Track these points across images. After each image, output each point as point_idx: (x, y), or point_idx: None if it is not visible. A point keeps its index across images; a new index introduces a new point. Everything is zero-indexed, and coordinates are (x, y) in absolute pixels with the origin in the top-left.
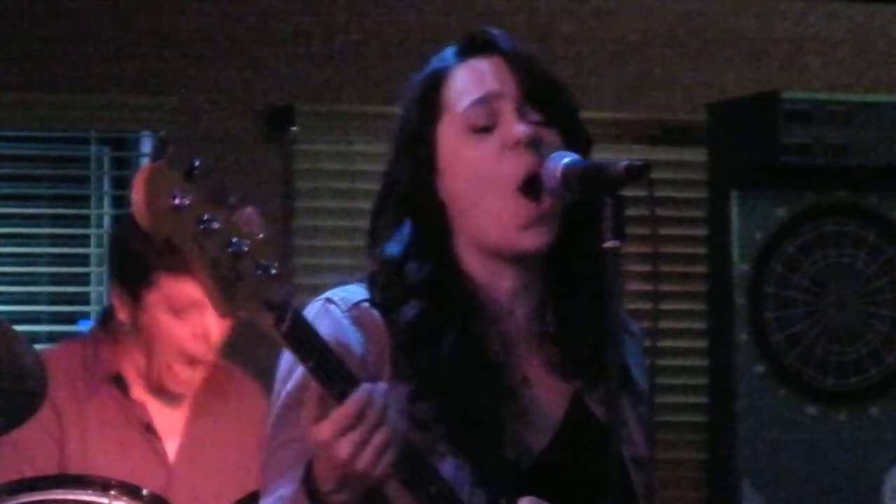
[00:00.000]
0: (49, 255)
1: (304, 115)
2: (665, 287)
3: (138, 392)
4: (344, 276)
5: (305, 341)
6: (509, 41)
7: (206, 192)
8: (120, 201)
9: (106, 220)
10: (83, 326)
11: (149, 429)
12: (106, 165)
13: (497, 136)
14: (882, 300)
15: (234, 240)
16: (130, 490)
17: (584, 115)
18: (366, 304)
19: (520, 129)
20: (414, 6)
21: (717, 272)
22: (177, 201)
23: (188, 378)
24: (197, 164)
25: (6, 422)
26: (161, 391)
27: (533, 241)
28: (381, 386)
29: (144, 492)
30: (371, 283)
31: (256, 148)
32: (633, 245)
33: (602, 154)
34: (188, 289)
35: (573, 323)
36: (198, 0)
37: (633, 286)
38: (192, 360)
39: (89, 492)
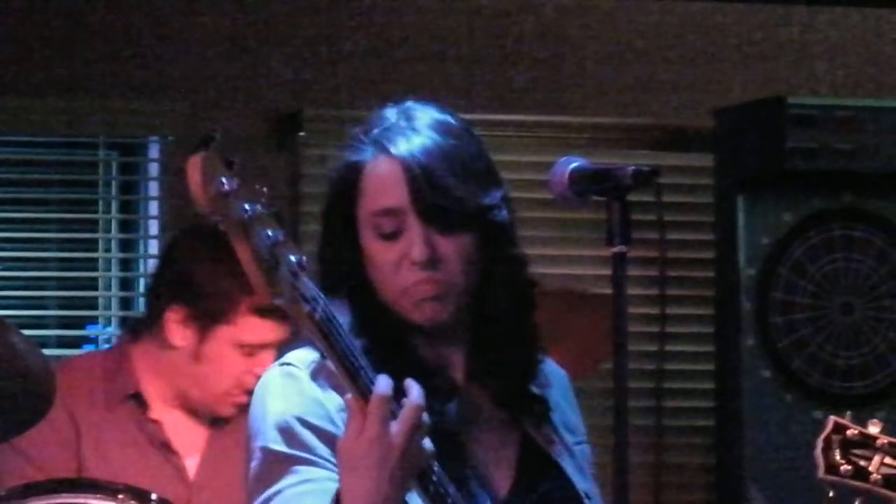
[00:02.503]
0: (57, 259)
1: (312, 120)
2: (672, 291)
3: (156, 411)
4: None
5: (333, 333)
6: (422, 136)
7: (245, 182)
8: (128, 206)
9: (114, 225)
10: (91, 331)
11: (166, 447)
12: (114, 170)
13: (399, 247)
14: (889, 305)
15: (271, 230)
16: (139, 494)
17: (591, 119)
18: (320, 361)
19: (416, 254)
20: (422, 11)
21: (723, 277)
22: (225, 187)
23: (242, 403)
24: (234, 158)
25: (14, 426)
26: (205, 415)
27: (430, 311)
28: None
29: (153, 496)
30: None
31: (264, 153)
32: (641, 250)
33: (609, 159)
34: (267, 331)
35: (502, 361)
36: (206, 5)
37: (641, 290)
38: (247, 391)
39: (98, 496)
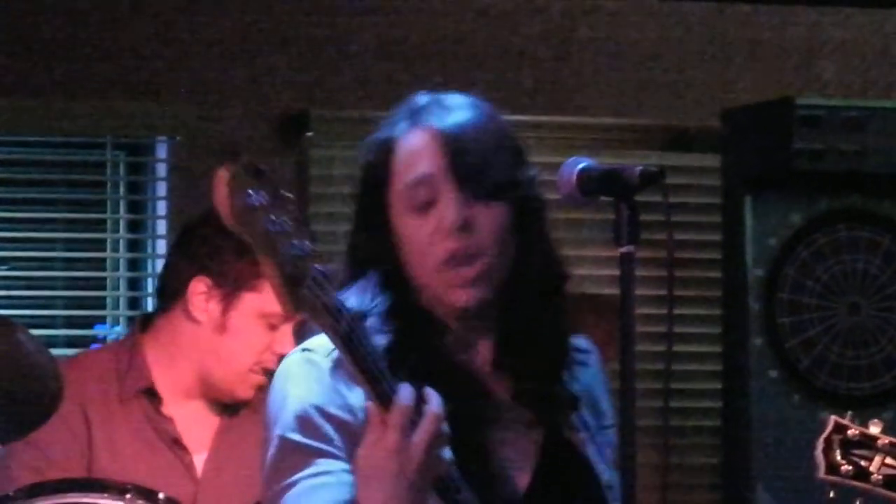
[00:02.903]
0: (65, 259)
1: (319, 120)
2: (679, 292)
3: (169, 406)
4: None
5: (357, 344)
6: (455, 110)
7: (274, 195)
8: (135, 206)
9: (122, 225)
10: (99, 331)
11: (176, 443)
12: (122, 171)
13: (433, 217)
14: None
15: (297, 242)
16: (147, 494)
17: (598, 120)
18: None
19: (449, 218)
20: (428, 12)
21: (731, 277)
22: (252, 200)
23: (261, 384)
24: (264, 167)
25: (22, 425)
26: (223, 398)
27: (466, 296)
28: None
29: (161, 496)
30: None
31: (271, 154)
32: (648, 250)
33: (616, 160)
34: None
35: (530, 354)
36: (213, 6)
37: (648, 291)
38: (266, 371)
39: (106, 495)
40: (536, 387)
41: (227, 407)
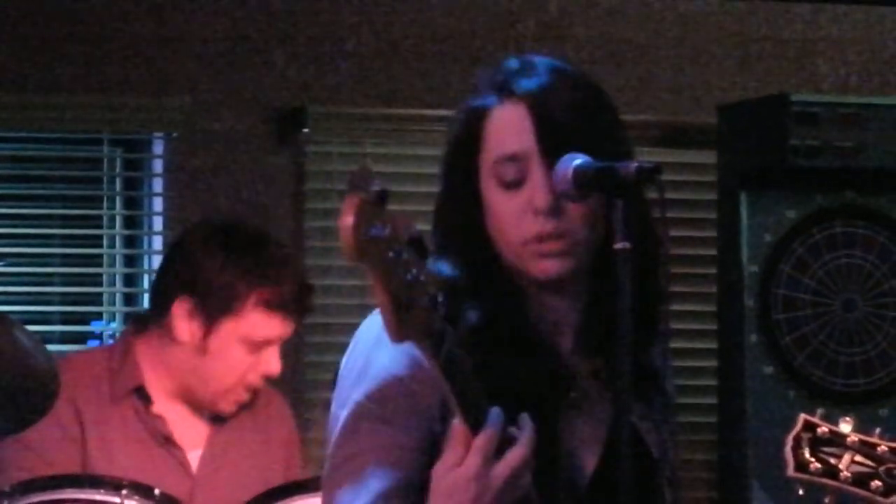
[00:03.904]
0: (61, 255)
1: (316, 116)
2: (675, 288)
3: (159, 405)
4: (355, 278)
5: (456, 370)
6: (547, 78)
7: (397, 223)
8: (132, 202)
9: (118, 221)
10: (95, 327)
11: (169, 440)
12: (118, 167)
13: (522, 196)
14: (891, 302)
15: (412, 270)
16: (142, 489)
17: None
18: None
19: (540, 200)
20: (426, 8)
21: (726, 274)
22: (376, 232)
23: (243, 401)
24: (385, 191)
25: (18, 421)
26: (205, 410)
27: (551, 266)
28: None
29: (156, 491)
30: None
31: (268, 149)
32: None
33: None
34: (273, 327)
35: (615, 337)
36: (210, 3)
37: None
38: (250, 389)
39: (101, 491)
40: (619, 367)
41: (215, 416)
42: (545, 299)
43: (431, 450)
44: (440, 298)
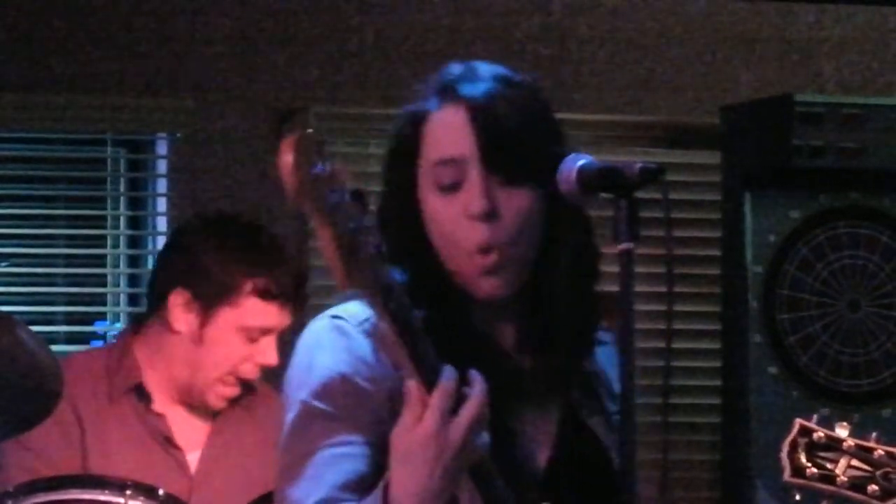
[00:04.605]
0: (65, 256)
1: (319, 117)
2: (679, 288)
3: (159, 404)
4: None
5: (408, 323)
6: (489, 84)
7: (337, 167)
8: (135, 203)
9: (122, 222)
10: (99, 327)
11: (169, 441)
12: (122, 167)
13: (459, 200)
14: (895, 302)
15: (355, 217)
16: (146, 490)
17: (598, 117)
18: (375, 323)
19: (476, 205)
20: (428, 8)
21: (730, 274)
22: (318, 170)
23: (231, 395)
24: (324, 138)
25: (22, 422)
26: (197, 405)
27: (491, 287)
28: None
29: (161, 492)
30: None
31: (270, 150)
32: (648, 247)
33: (616, 156)
34: (269, 315)
35: (555, 337)
36: (213, 3)
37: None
38: (240, 381)
39: (106, 492)
40: (558, 365)
41: (214, 414)
42: (486, 307)
43: (384, 446)
44: (385, 247)
